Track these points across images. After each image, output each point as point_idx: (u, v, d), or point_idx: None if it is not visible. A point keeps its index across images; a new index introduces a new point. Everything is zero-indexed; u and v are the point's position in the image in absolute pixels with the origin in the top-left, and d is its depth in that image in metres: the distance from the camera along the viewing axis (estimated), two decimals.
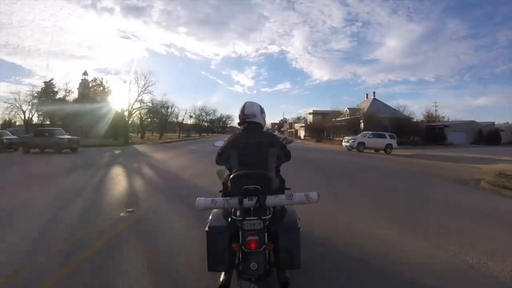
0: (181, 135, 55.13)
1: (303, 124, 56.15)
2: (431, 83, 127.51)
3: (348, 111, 39.63)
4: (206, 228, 1.99)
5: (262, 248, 1.85)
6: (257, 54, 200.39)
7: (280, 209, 2.18)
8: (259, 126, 2.37)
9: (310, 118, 56.69)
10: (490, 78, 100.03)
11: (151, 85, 33.17)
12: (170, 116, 53.84)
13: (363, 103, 42.66)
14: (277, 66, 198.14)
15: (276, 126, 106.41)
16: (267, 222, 1.91)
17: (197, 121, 73.14)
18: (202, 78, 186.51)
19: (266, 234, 1.90)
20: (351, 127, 32.77)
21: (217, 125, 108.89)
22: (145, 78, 32.61)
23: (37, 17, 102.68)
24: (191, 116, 72.80)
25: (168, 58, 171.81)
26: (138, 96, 32.57)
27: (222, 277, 2.00)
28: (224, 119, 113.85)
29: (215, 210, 2.15)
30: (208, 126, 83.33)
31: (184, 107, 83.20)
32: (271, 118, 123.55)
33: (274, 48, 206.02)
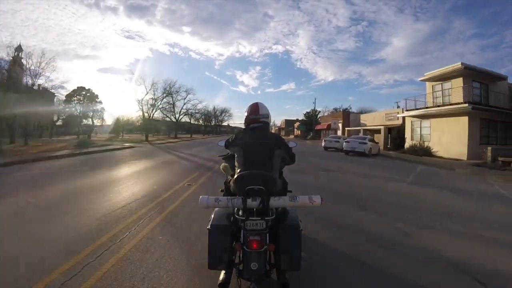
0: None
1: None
2: None
3: None
4: (208, 226, 1.98)
5: (263, 249, 1.84)
6: (261, 54, 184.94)
7: (282, 210, 2.15)
8: (267, 126, 2.34)
9: None
10: None
11: None
12: None
13: None
14: (282, 67, 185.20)
15: (298, 123, 68.69)
16: (270, 223, 1.92)
17: (153, 109, 35.37)
18: (206, 79, 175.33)
19: (267, 234, 1.90)
20: None
21: (206, 122, 71.93)
22: None
23: (41, 16, 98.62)
24: (153, 105, 35.71)
25: (172, 58, 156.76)
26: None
27: (222, 276, 1.96)
28: (218, 114, 76.43)
29: (217, 208, 2.13)
30: (174, 122, 44.73)
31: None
32: (276, 118, 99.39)
33: (279, 48, 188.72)
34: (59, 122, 41.96)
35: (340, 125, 37.78)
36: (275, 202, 1.95)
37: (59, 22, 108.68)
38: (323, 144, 21.35)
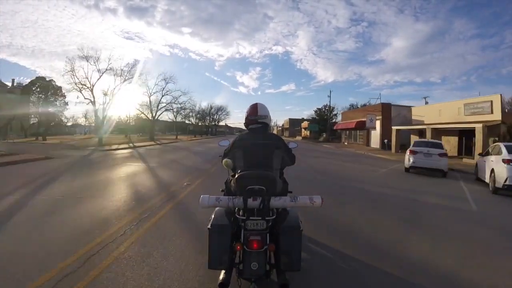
0: None
1: None
2: (437, 84, 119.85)
3: None
4: (209, 226, 1.97)
5: (263, 249, 1.83)
6: (261, 55, 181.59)
7: (282, 211, 2.13)
8: (266, 127, 2.34)
9: None
10: (497, 79, 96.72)
11: None
12: None
13: None
14: (282, 67, 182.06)
15: (308, 122, 60.63)
16: (270, 223, 1.92)
17: (110, 99, 26.55)
18: (206, 80, 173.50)
19: (268, 235, 1.89)
20: None
21: (201, 122, 62.81)
22: None
23: (40, 17, 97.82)
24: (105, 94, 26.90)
25: (172, 59, 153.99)
26: None
27: (222, 276, 1.93)
28: (213, 112, 67.12)
29: (218, 208, 2.13)
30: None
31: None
32: (278, 118, 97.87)
33: (279, 49, 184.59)
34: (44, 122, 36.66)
35: (378, 122, 28.48)
36: (276, 202, 1.97)
37: (58, 24, 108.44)
38: (409, 160, 10.60)
